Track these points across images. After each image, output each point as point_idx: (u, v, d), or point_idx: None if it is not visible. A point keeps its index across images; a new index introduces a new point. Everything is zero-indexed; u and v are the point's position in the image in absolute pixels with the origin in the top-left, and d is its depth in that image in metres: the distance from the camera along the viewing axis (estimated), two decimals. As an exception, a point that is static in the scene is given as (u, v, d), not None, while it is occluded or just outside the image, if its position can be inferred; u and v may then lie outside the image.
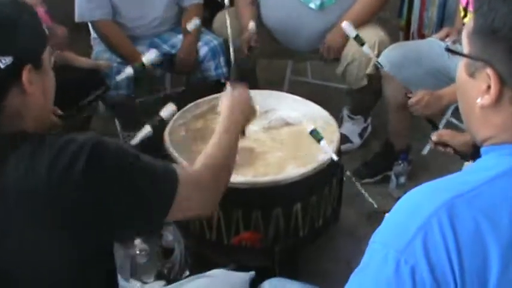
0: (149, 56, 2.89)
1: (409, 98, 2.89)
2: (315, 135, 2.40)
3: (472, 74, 1.15)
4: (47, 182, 1.33)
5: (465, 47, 1.18)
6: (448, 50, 1.27)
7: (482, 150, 1.20)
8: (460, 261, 1.03)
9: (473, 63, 1.14)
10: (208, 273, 2.10)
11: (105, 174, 1.39)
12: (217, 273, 2.13)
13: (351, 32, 3.03)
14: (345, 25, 3.04)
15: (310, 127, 2.42)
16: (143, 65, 2.83)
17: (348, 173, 2.60)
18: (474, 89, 1.15)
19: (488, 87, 1.11)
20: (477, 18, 1.14)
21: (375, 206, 2.42)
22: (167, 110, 2.45)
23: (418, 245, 1.05)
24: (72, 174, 1.34)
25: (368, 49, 3.00)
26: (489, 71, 1.10)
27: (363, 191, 2.52)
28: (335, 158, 2.42)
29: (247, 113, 2.08)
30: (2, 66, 1.36)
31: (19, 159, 1.36)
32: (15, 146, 1.38)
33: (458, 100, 1.26)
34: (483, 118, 1.16)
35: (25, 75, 1.39)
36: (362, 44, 2.98)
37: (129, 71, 2.90)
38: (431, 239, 1.05)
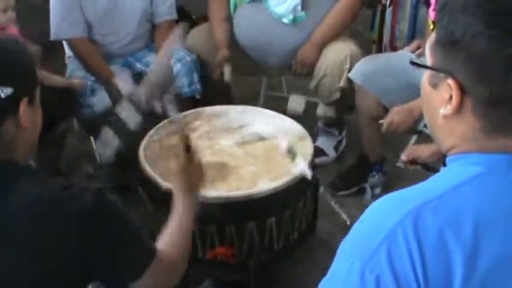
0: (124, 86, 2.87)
1: (382, 125, 2.92)
2: (290, 156, 2.42)
3: (434, 85, 1.18)
4: (45, 217, 1.42)
5: (428, 59, 1.21)
6: (412, 63, 1.30)
7: (447, 159, 1.22)
8: (424, 270, 1.05)
9: (436, 75, 1.17)
10: None
11: (104, 217, 1.49)
12: None
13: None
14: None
15: (285, 146, 2.43)
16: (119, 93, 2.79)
17: (322, 189, 2.61)
18: (437, 100, 1.18)
19: (451, 97, 1.14)
20: (439, 30, 1.17)
21: (348, 222, 2.44)
22: (134, 122, 2.52)
23: (383, 254, 1.07)
24: (74, 210, 1.43)
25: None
26: (450, 81, 1.13)
27: (332, 204, 2.53)
28: (309, 176, 2.43)
29: (198, 185, 2.08)
30: (3, 96, 1.41)
31: (25, 191, 1.43)
32: (17, 176, 1.46)
33: (423, 111, 1.29)
34: (446, 128, 1.19)
35: (22, 108, 1.45)
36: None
37: (105, 99, 2.87)
38: (396, 248, 1.07)
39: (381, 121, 2.93)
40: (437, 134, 1.24)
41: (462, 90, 1.13)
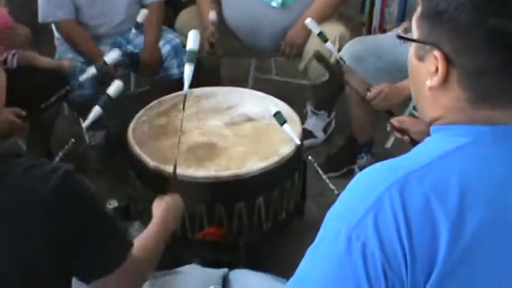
0: (111, 55, 2.90)
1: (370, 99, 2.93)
2: (278, 118, 2.44)
3: (421, 58, 1.20)
4: (13, 201, 1.29)
5: (414, 32, 1.22)
6: (399, 37, 1.31)
7: (431, 129, 1.23)
8: (409, 237, 1.06)
9: (422, 47, 1.19)
10: (179, 269, 2.09)
11: (73, 201, 1.34)
12: (189, 270, 2.12)
13: (315, 28, 3.08)
14: (309, 22, 3.10)
15: (274, 109, 2.46)
16: (105, 63, 2.83)
17: (310, 158, 2.63)
18: (423, 72, 1.19)
19: (437, 69, 1.15)
20: (424, 3, 1.18)
21: (336, 192, 2.45)
22: (114, 87, 2.51)
23: (370, 221, 1.08)
24: (40, 194, 1.28)
25: (331, 45, 3.05)
26: (436, 52, 1.14)
27: (324, 177, 2.54)
28: (298, 141, 2.46)
29: (178, 219, 2.10)
30: None
31: None
32: None
33: (409, 84, 1.30)
34: (432, 99, 1.20)
35: None
36: (325, 40, 3.03)
37: (92, 70, 2.91)
38: (382, 215, 1.08)
39: (370, 88, 2.94)
40: (423, 106, 1.26)
41: (448, 62, 1.14)
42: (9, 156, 1.35)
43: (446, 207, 1.08)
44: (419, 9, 1.21)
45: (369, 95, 2.90)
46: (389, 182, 1.11)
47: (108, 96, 2.50)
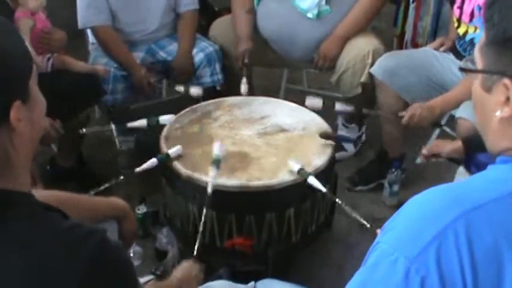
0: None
1: (402, 117, 2.94)
2: (303, 173, 2.44)
3: (488, 89, 1.12)
4: (43, 265, 1.16)
5: (478, 62, 1.15)
6: (462, 69, 1.25)
7: (499, 159, 1.15)
8: (474, 278, 0.99)
9: (489, 78, 1.11)
10: (208, 284, 2.08)
11: (106, 271, 1.22)
12: (219, 285, 2.11)
13: None
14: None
15: (297, 166, 2.46)
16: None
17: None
18: (492, 103, 1.12)
19: (507, 99, 1.08)
20: (488, 30, 1.11)
21: (368, 225, 2.45)
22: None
23: (431, 255, 1.01)
24: (75, 258, 1.17)
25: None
26: (506, 81, 1.07)
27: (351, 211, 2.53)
28: (324, 190, 2.45)
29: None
30: None
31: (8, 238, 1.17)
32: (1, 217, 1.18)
33: (474, 113, 1.22)
34: (501, 130, 1.13)
35: (13, 113, 1.17)
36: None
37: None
38: (446, 251, 1.01)
39: (401, 113, 2.93)
40: (491, 137, 1.17)
41: None
42: (41, 211, 1.25)
43: None
44: (483, 39, 1.13)
45: (403, 121, 2.90)
46: (455, 213, 1.03)
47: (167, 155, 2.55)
